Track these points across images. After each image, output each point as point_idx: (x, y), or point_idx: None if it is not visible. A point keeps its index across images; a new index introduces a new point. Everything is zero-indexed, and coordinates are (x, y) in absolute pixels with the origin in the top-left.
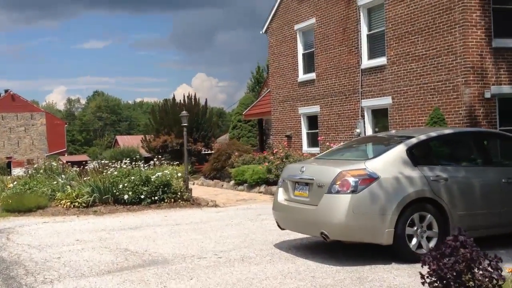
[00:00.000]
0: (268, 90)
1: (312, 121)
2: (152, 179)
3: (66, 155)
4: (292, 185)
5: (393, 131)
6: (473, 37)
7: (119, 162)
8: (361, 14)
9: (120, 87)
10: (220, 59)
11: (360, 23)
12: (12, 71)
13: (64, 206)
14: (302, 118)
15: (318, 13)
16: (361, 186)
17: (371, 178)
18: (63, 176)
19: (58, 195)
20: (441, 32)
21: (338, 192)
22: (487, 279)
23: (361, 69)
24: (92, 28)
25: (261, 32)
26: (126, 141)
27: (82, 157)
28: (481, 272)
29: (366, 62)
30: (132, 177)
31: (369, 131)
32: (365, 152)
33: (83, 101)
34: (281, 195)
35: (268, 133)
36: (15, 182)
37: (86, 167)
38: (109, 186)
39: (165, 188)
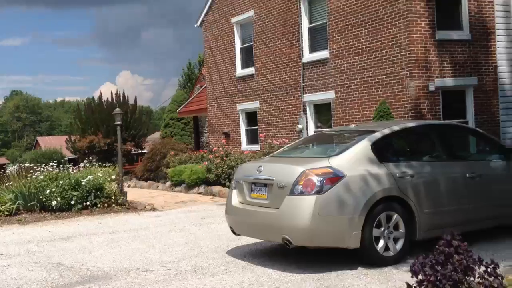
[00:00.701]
0: (203, 86)
1: (251, 117)
2: (83, 183)
3: None
4: (248, 186)
5: (353, 125)
6: (417, 29)
7: (44, 165)
8: (302, 6)
9: (40, 86)
10: (145, 57)
11: (300, 16)
12: None
13: None
14: (240, 115)
15: (257, 5)
16: (327, 186)
17: (336, 177)
18: None
19: None
20: (385, 24)
21: (301, 193)
22: None
23: (303, 63)
24: (9, 25)
25: (195, 26)
26: (48, 142)
27: (0, 160)
28: (478, 280)
29: (307, 56)
30: (61, 181)
31: (311, 127)
32: (326, 149)
33: (0, 101)
34: (235, 198)
35: (203, 131)
36: None
37: (7, 171)
38: (35, 192)
39: (98, 192)
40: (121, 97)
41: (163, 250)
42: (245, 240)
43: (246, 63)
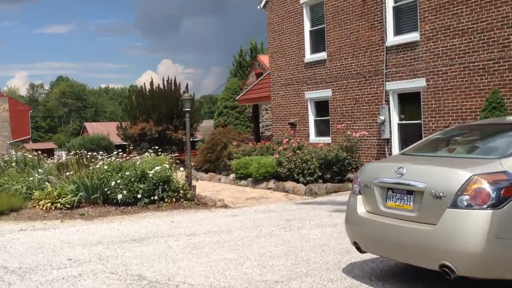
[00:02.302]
0: (267, 72)
1: (322, 107)
2: (150, 175)
3: (30, 143)
4: (383, 193)
5: (510, 117)
6: None
7: (92, 152)
8: None
9: (83, 73)
10: (185, 46)
11: None
12: None
13: (44, 208)
14: (309, 104)
15: None
16: (504, 197)
17: None
18: (39, 170)
19: (35, 194)
20: (493, 2)
21: (469, 206)
22: None
23: (386, 47)
24: (54, 13)
25: (258, 7)
26: (96, 128)
27: (48, 145)
28: None
29: (392, 39)
30: (127, 173)
31: (395, 119)
32: (488, 147)
33: (46, 87)
34: (362, 206)
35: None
36: None
37: (60, 157)
38: (98, 183)
39: (165, 185)
40: (173, 84)
41: (262, 264)
42: (358, 255)
43: (316, 48)
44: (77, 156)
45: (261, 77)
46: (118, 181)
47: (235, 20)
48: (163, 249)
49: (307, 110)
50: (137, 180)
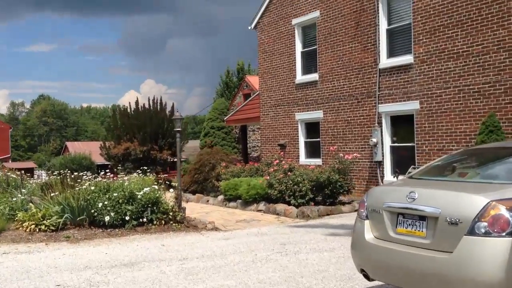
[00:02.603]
0: (256, 93)
1: (312, 128)
2: (139, 196)
3: (10, 162)
4: (392, 218)
5: None
6: None
7: (73, 172)
8: (380, 5)
9: (65, 92)
10: (169, 66)
11: (378, 16)
12: None
13: (27, 230)
14: (299, 125)
15: (323, 5)
16: None
17: None
18: (23, 190)
19: (19, 215)
20: (490, 25)
21: (487, 233)
22: None
23: (379, 69)
24: (39, 31)
25: (249, 28)
26: (77, 147)
27: (28, 164)
28: None
29: (385, 61)
30: (115, 194)
31: (387, 141)
32: (502, 171)
33: (27, 105)
34: (370, 231)
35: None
36: None
37: (37, 176)
38: (85, 204)
39: (154, 207)
40: (158, 104)
41: None
42: (361, 282)
43: (307, 69)
44: (61, 176)
45: (250, 98)
46: (106, 203)
47: (219, 41)
48: (155, 274)
49: (298, 131)
50: (125, 201)
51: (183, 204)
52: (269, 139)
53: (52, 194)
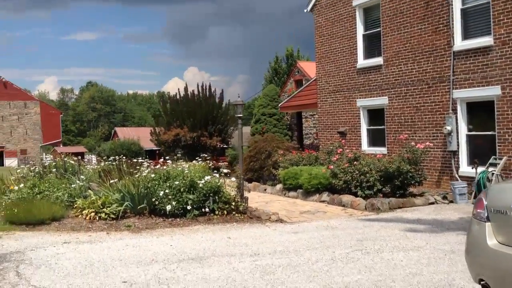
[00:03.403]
0: (313, 79)
1: (376, 115)
2: (200, 185)
3: (61, 146)
4: None
5: None
6: None
7: (123, 156)
8: None
9: (111, 79)
10: (212, 54)
11: None
12: (0, 61)
13: (87, 218)
14: (361, 112)
15: None
16: None
17: None
18: (82, 177)
19: (78, 202)
20: None
21: None
22: None
23: (453, 52)
24: (84, 20)
25: (305, 11)
26: (126, 133)
27: (79, 149)
28: None
29: (460, 43)
30: (176, 182)
31: (463, 129)
32: None
33: (76, 92)
34: (493, 236)
35: (293, 128)
36: (21, 185)
37: (87, 161)
38: (145, 192)
39: (215, 197)
40: (207, 90)
41: None
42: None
43: (370, 52)
44: (117, 162)
45: (307, 84)
46: (167, 191)
47: (261, 29)
48: (228, 272)
49: (359, 118)
50: (186, 190)
51: (245, 194)
52: (327, 126)
53: (111, 181)
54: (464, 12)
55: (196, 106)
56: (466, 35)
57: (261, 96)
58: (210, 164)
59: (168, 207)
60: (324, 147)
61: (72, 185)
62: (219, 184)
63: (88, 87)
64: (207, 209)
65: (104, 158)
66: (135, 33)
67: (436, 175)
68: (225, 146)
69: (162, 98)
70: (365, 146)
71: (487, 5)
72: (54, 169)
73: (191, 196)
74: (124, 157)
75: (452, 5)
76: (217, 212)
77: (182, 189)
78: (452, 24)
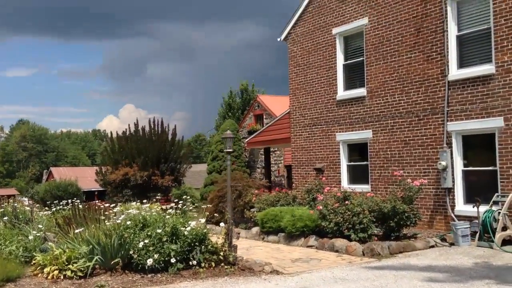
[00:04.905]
0: (285, 112)
1: (357, 150)
2: (186, 233)
3: None
4: None
5: None
6: None
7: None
8: (449, 9)
9: (43, 117)
10: (149, 91)
11: (446, 21)
12: None
13: (49, 277)
14: (341, 146)
15: (373, 11)
16: None
17: None
18: (40, 226)
19: (38, 258)
20: None
21: None
22: None
23: (448, 81)
24: (17, 55)
25: (279, 40)
26: (63, 173)
27: (10, 191)
28: None
29: (456, 72)
30: (158, 230)
31: (459, 164)
32: None
33: (6, 130)
34: None
35: (255, 166)
36: None
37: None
38: (119, 243)
39: (201, 246)
40: (159, 126)
41: None
42: None
43: (351, 83)
44: (73, 207)
45: (277, 117)
46: (146, 241)
47: (200, 66)
48: None
49: (339, 153)
50: (169, 239)
51: (237, 242)
52: (302, 162)
53: (76, 231)
54: (460, 39)
55: (147, 143)
56: (462, 63)
57: (218, 132)
58: (163, 206)
59: (149, 261)
60: (298, 185)
61: (29, 237)
62: (205, 231)
63: (19, 125)
64: (194, 262)
65: (37, 200)
66: (71, 69)
67: (428, 215)
68: (175, 185)
69: (110, 135)
70: (345, 183)
71: (487, 31)
72: (5, 217)
73: (173, 247)
74: (61, 200)
75: (447, 31)
76: (203, 265)
77: (164, 238)
78: (447, 51)
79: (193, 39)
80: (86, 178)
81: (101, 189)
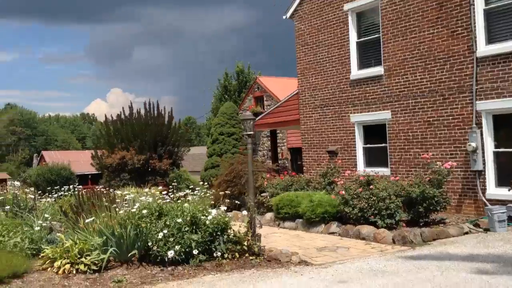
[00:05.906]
0: (294, 93)
1: (373, 132)
2: (207, 222)
3: None
4: None
5: None
6: None
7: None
8: None
9: (30, 101)
10: (136, 75)
11: None
12: None
13: (60, 272)
14: (356, 128)
15: None
16: None
17: None
18: (46, 215)
19: (47, 251)
20: None
21: None
22: None
23: (476, 58)
24: (1, 39)
25: (284, 17)
26: (55, 157)
27: (1, 175)
28: None
29: (485, 48)
30: (178, 220)
31: (489, 146)
32: None
33: None
34: None
35: (256, 148)
36: None
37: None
38: (135, 233)
39: (223, 235)
40: (155, 109)
41: None
42: None
43: (366, 62)
44: (90, 193)
45: (285, 98)
46: (165, 231)
47: (187, 49)
48: None
49: (354, 135)
50: (190, 229)
51: (257, 230)
52: (313, 145)
53: (87, 220)
54: (487, 13)
55: (144, 126)
56: (491, 39)
57: (218, 114)
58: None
59: (170, 253)
60: (309, 168)
61: (35, 227)
62: (227, 219)
63: (7, 110)
64: (218, 253)
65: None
66: (56, 54)
67: (455, 199)
68: (173, 168)
69: (105, 118)
70: (361, 167)
71: None
72: (7, 207)
73: (194, 237)
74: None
75: (473, 5)
76: (226, 256)
77: (184, 228)
78: (474, 26)
79: (179, 23)
80: (79, 161)
81: (95, 172)
